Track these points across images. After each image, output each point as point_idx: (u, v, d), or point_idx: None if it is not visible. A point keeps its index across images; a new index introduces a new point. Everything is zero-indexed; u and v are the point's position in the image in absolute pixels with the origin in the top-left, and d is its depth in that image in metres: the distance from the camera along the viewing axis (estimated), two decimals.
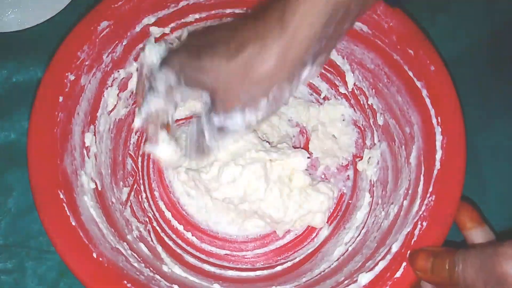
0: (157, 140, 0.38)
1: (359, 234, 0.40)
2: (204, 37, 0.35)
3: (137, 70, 0.41)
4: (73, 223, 0.33)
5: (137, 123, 0.37)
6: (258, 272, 0.41)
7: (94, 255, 0.33)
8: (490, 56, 0.48)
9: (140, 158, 0.44)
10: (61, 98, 0.36)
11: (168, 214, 0.43)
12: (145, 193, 0.43)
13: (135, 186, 0.43)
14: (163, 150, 0.38)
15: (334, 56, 0.43)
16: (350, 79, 0.44)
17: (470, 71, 0.47)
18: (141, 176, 0.44)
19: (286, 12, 0.30)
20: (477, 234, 0.34)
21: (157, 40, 0.42)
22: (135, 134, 0.44)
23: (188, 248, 0.42)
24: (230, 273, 0.41)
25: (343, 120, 0.46)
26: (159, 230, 0.42)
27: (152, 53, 0.38)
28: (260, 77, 0.32)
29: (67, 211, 0.33)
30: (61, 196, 0.34)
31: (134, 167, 0.44)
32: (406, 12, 0.40)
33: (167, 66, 0.35)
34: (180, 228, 0.43)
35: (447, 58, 0.39)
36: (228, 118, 0.33)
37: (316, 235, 0.43)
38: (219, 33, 0.34)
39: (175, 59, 0.35)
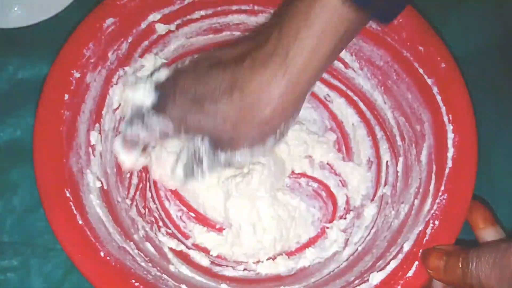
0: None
1: (368, 234, 0.39)
2: (201, 79, 0.34)
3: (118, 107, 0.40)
4: (80, 222, 0.33)
5: (117, 146, 0.39)
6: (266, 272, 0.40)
7: (102, 254, 0.32)
8: (503, 55, 0.48)
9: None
10: (66, 96, 0.36)
11: (174, 214, 0.43)
12: (150, 192, 0.43)
13: (140, 185, 0.42)
14: (128, 158, 0.39)
15: (343, 53, 0.43)
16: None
17: (482, 69, 0.47)
18: (145, 175, 0.43)
19: (289, 55, 0.31)
20: (490, 234, 0.34)
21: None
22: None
23: (195, 248, 0.41)
24: (238, 273, 0.40)
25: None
26: (165, 230, 0.42)
27: (140, 93, 0.37)
28: (267, 119, 0.32)
29: (74, 210, 0.33)
30: (68, 194, 0.34)
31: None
32: (419, 11, 0.39)
33: (165, 115, 0.35)
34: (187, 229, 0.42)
35: (459, 58, 0.39)
36: (235, 155, 0.35)
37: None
38: (217, 74, 0.33)
39: (175, 107, 0.34)
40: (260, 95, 0.32)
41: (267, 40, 0.32)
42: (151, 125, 0.36)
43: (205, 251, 0.41)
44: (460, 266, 0.30)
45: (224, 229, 0.42)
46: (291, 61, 0.31)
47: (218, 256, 0.41)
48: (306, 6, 0.30)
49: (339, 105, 0.45)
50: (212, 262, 0.41)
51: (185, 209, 0.43)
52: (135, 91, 0.37)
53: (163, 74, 0.37)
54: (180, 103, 0.34)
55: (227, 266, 0.41)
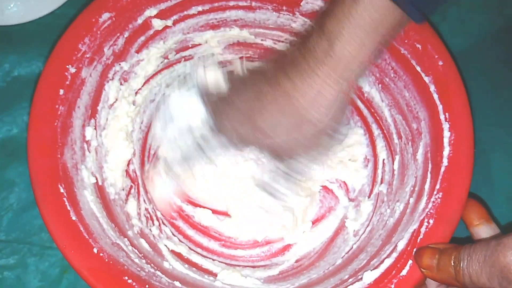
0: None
1: (363, 232, 0.39)
2: (249, 93, 0.34)
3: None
4: (74, 218, 0.33)
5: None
6: (259, 271, 0.40)
7: (95, 250, 0.32)
8: (501, 51, 0.48)
9: (140, 153, 0.44)
10: (61, 91, 0.36)
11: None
12: (145, 188, 0.43)
13: (136, 181, 0.42)
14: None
15: None
16: None
17: (480, 66, 0.46)
18: (141, 172, 0.43)
19: (333, 58, 0.30)
20: (484, 231, 0.34)
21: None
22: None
23: (190, 245, 0.41)
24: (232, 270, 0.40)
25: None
26: (160, 226, 0.41)
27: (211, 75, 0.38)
28: (321, 126, 0.33)
29: (68, 206, 0.33)
30: (62, 190, 0.33)
31: (135, 161, 0.43)
32: None
33: (221, 131, 0.36)
34: (181, 224, 0.42)
35: (457, 53, 0.39)
36: (293, 164, 0.36)
37: None
38: (264, 86, 0.33)
39: (227, 124, 0.35)
40: (312, 104, 0.32)
41: (308, 43, 0.31)
42: (210, 150, 0.37)
43: (200, 246, 0.41)
44: (452, 264, 0.30)
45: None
46: (336, 64, 0.30)
47: (212, 252, 0.41)
48: (347, 6, 0.30)
49: None
50: (206, 258, 0.40)
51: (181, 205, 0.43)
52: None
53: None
54: (231, 118, 0.35)
55: (221, 262, 0.40)
